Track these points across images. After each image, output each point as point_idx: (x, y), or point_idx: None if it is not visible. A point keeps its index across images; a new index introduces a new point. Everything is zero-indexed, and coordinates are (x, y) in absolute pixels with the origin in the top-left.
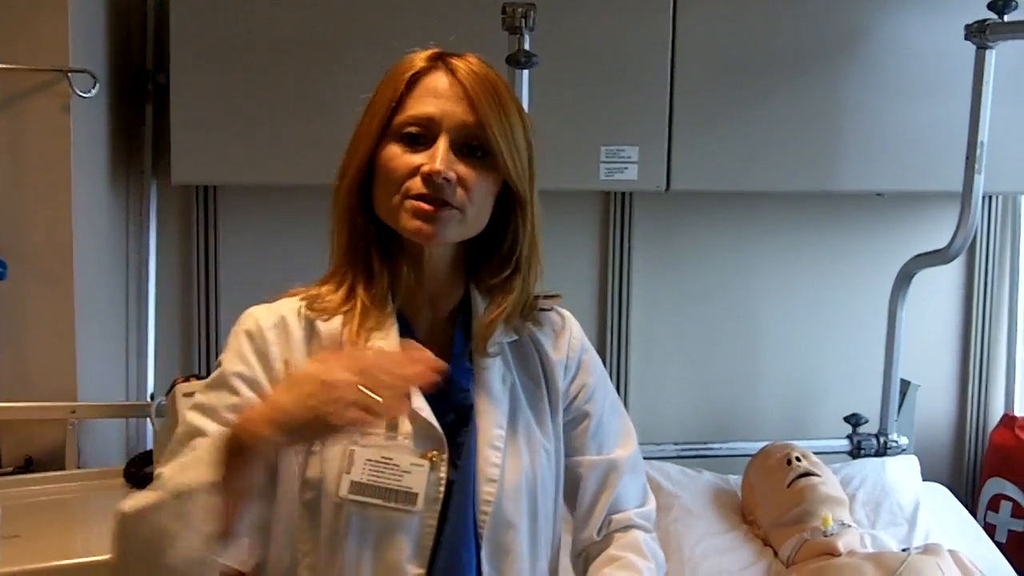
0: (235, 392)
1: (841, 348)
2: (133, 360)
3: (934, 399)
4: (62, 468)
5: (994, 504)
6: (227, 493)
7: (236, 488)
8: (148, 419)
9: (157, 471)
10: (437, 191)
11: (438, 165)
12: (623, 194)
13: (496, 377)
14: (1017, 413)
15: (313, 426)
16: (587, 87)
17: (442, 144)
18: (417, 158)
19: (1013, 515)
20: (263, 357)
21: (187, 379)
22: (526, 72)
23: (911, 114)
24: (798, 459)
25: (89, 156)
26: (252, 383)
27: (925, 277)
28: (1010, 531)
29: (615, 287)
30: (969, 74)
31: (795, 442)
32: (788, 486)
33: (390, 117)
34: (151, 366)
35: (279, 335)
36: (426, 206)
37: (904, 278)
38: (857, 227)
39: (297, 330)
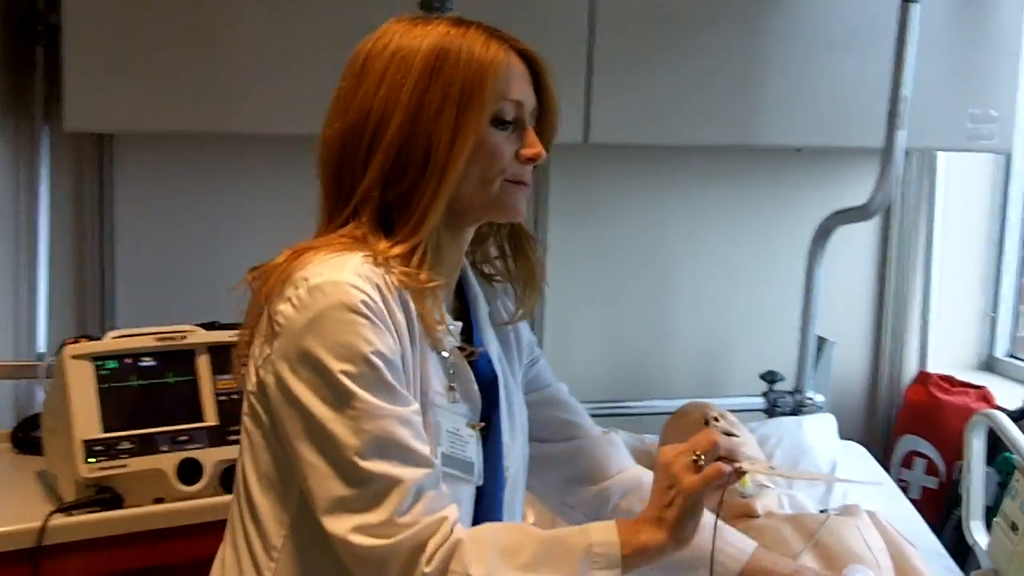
0: (393, 390)
1: (757, 304)
2: (23, 318)
3: (848, 356)
4: None
5: (907, 461)
6: None
7: None
8: (37, 381)
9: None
10: (528, 175)
11: (541, 151)
12: None
13: (494, 347)
14: (931, 370)
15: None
16: None
17: (531, 128)
18: (512, 142)
19: (927, 472)
20: (392, 327)
21: (76, 340)
22: None
23: (832, 67)
24: (716, 419)
25: None
26: (396, 366)
27: (839, 233)
28: (923, 488)
29: None
30: (891, 26)
31: (711, 400)
32: None
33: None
34: (42, 324)
35: (387, 303)
36: (526, 189)
37: (822, 234)
38: (775, 182)
39: (392, 300)
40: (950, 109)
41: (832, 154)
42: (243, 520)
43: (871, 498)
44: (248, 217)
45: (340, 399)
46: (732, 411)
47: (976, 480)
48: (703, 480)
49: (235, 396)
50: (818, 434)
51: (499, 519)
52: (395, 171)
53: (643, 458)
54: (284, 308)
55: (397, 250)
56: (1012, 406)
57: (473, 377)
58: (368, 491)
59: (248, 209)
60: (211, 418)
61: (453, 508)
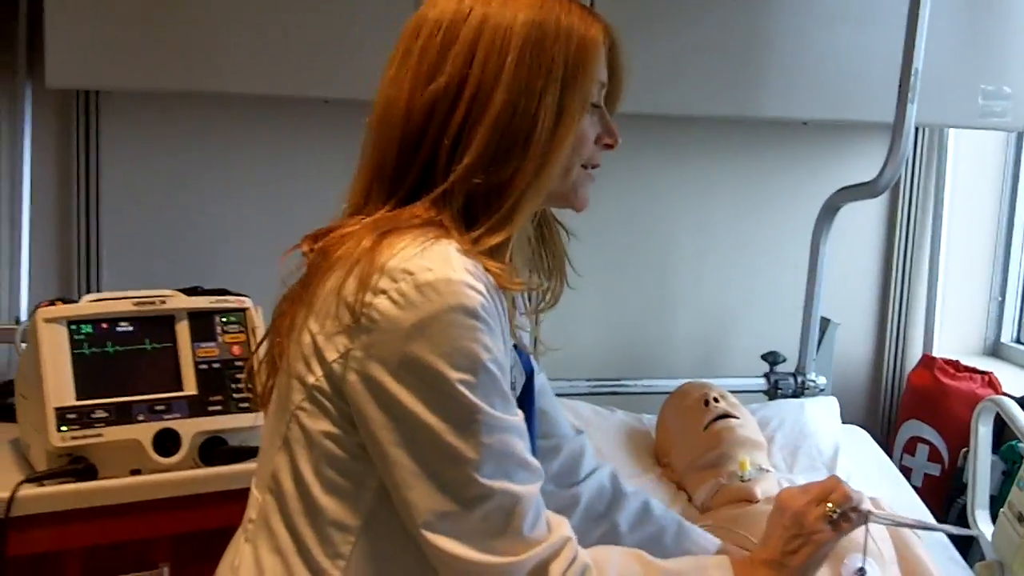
0: (507, 397)
1: (759, 283)
2: (5, 281)
3: (852, 338)
4: None
5: (910, 447)
6: None
7: None
8: (14, 345)
9: None
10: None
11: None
12: None
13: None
14: (936, 354)
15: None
16: None
17: (606, 110)
18: (595, 126)
19: (929, 459)
20: (500, 329)
21: (52, 303)
22: None
23: (841, 37)
24: (716, 400)
25: None
26: (507, 371)
27: (845, 211)
28: (926, 475)
29: None
30: None
31: (710, 380)
32: (705, 428)
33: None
34: (24, 287)
35: (495, 303)
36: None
37: (828, 211)
38: (780, 157)
39: (496, 298)
40: (962, 85)
41: (840, 128)
42: (292, 522)
43: (874, 484)
44: (239, 179)
45: (459, 411)
46: (732, 392)
47: (982, 468)
48: (838, 534)
49: (216, 365)
50: (820, 418)
51: None
52: (500, 153)
53: (640, 437)
54: (380, 302)
55: (490, 242)
56: (1018, 393)
57: (524, 373)
58: (486, 507)
59: (239, 171)
60: (190, 387)
61: (567, 524)
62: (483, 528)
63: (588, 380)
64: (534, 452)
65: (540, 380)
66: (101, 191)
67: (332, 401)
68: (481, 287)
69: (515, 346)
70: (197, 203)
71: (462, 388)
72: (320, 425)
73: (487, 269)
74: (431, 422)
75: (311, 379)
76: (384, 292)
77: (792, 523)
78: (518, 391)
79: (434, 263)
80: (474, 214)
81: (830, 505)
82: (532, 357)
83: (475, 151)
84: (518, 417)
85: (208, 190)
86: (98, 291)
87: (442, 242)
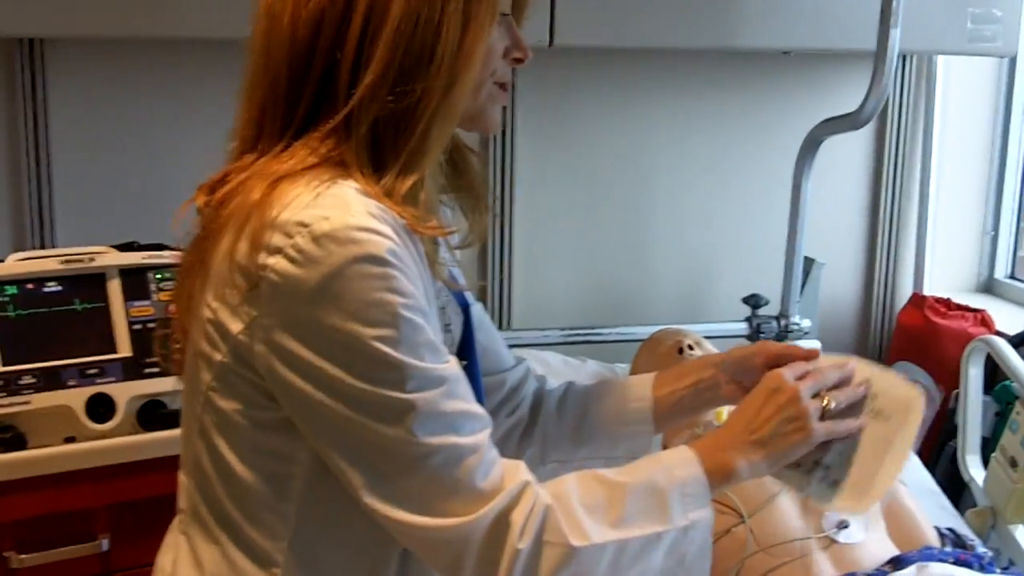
0: (434, 345)
1: (740, 223)
2: None
3: (838, 277)
4: None
5: None
6: None
7: None
8: None
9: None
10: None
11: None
12: None
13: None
14: (926, 292)
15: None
16: None
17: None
18: (503, 39)
19: None
20: (415, 272)
21: None
22: None
23: None
24: (691, 347)
25: None
26: (428, 315)
27: (831, 145)
28: None
29: (497, 154)
30: None
31: (690, 326)
32: None
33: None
34: None
35: (407, 246)
36: (506, 96)
37: (810, 146)
38: (761, 89)
39: (407, 239)
40: (949, 9)
41: (823, 59)
42: (222, 509)
43: None
44: (195, 127)
45: (384, 371)
46: (713, 338)
47: (972, 412)
48: (833, 435)
49: (151, 324)
50: None
51: None
52: (405, 70)
53: None
54: (277, 262)
55: (403, 187)
56: (1012, 331)
57: (460, 311)
58: (431, 466)
59: (194, 119)
60: (124, 349)
61: (523, 467)
62: (432, 489)
63: (561, 329)
64: (479, 392)
65: (476, 312)
66: (51, 144)
67: (242, 376)
68: (388, 230)
69: (447, 287)
70: (152, 153)
71: (383, 347)
72: (234, 404)
73: (396, 214)
74: (357, 387)
75: (217, 356)
76: (279, 250)
77: (788, 405)
78: (457, 333)
79: (331, 210)
80: (381, 150)
81: (827, 400)
82: (465, 293)
83: (376, 68)
84: (451, 364)
85: (163, 140)
86: (54, 247)
87: (339, 184)
